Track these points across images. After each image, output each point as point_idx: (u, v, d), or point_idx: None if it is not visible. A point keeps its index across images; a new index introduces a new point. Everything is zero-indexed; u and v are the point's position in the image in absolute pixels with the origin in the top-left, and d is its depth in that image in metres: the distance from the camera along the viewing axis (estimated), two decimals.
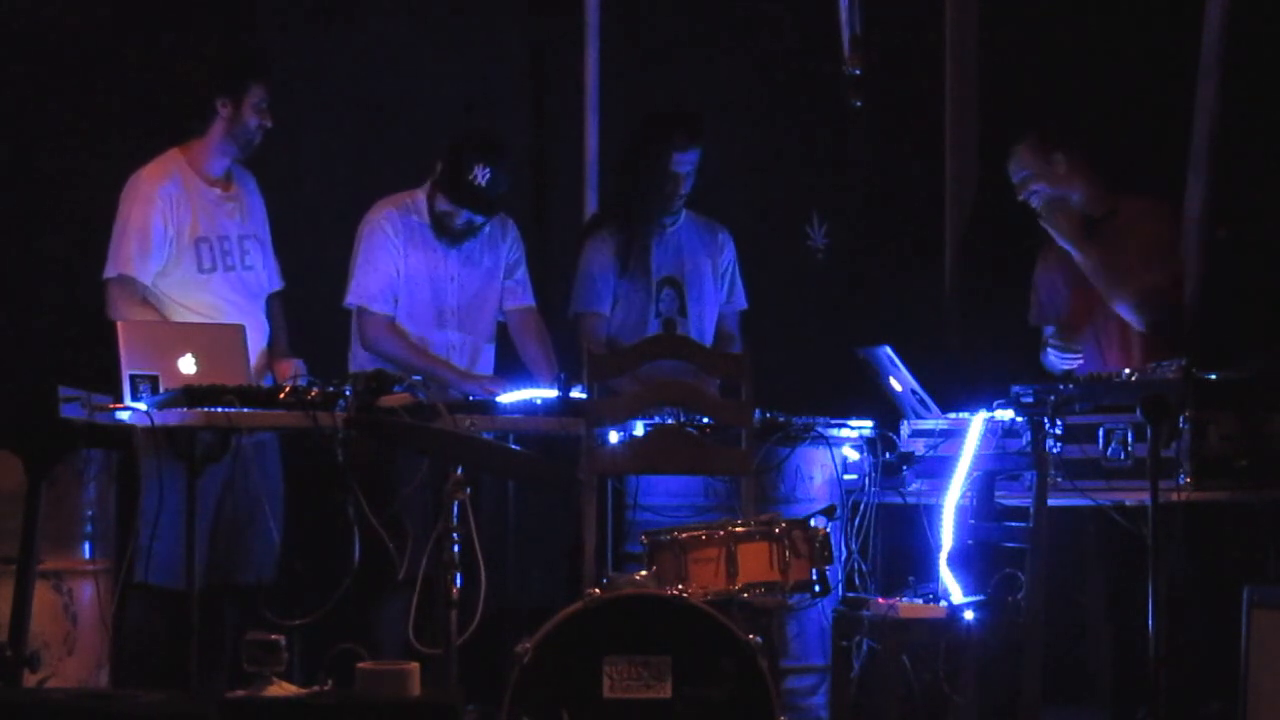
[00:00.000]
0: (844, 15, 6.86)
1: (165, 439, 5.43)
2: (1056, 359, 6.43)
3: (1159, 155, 7.23)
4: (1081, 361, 6.36)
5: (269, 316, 6.31)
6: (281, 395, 5.47)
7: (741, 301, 6.77)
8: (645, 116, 6.71)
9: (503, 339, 6.56)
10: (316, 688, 4.56)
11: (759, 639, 4.87)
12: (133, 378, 5.49)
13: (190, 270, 6.10)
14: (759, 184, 7.59)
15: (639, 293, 6.59)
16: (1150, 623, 5.20)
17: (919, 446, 6.06)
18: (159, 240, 6.04)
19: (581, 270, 6.58)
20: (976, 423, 5.82)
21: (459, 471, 4.95)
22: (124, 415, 5.39)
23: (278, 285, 6.36)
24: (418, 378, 5.72)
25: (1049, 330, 6.53)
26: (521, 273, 6.51)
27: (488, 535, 5.48)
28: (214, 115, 6.11)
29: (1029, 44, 7.54)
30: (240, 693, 4.50)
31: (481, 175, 6.18)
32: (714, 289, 6.70)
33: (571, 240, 6.84)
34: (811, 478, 6.07)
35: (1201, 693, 5.84)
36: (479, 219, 6.29)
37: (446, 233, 6.32)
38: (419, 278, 6.33)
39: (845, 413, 6.16)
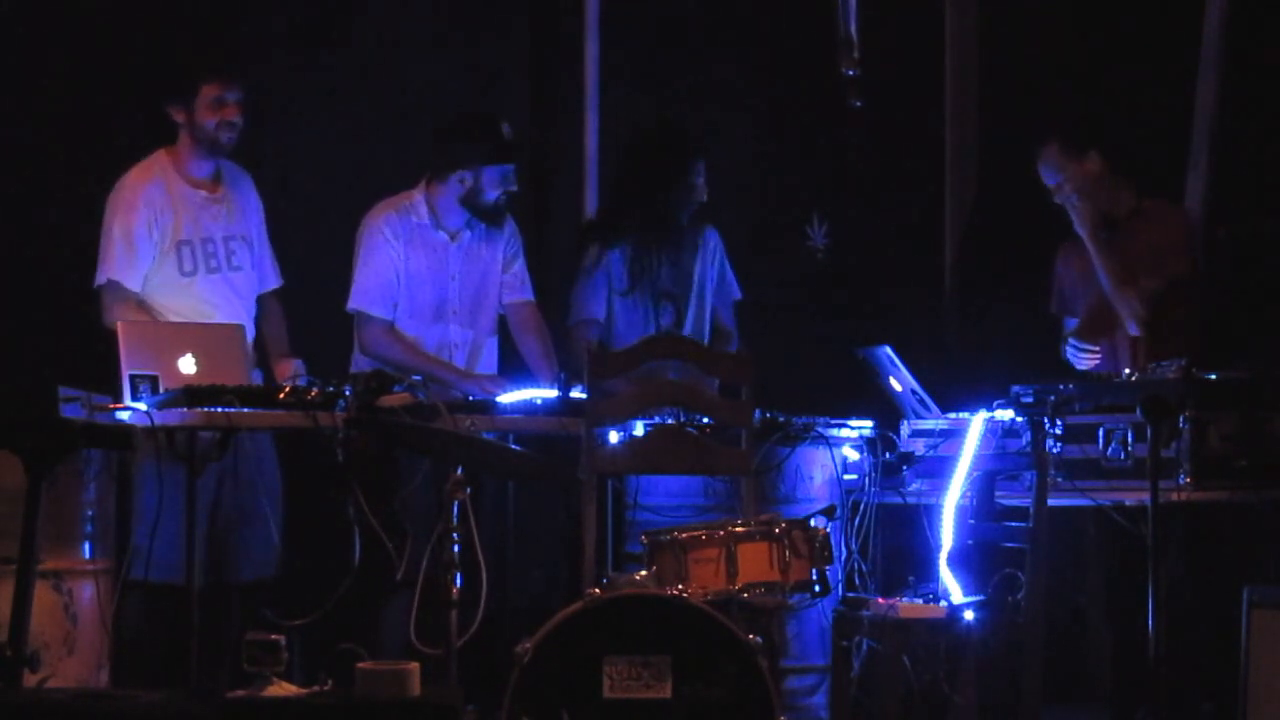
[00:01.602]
0: (840, 16, 6.86)
1: (165, 439, 5.43)
2: (1074, 356, 6.42)
3: (1158, 154, 7.24)
4: (1099, 360, 6.36)
5: (267, 314, 6.30)
6: (281, 395, 5.47)
7: (735, 292, 6.75)
8: (652, 134, 6.68)
9: (502, 338, 6.56)
10: (316, 688, 4.56)
11: (759, 639, 4.86)
12: (133, 378, 5.48)
13: (172, 274, 6.09)
14: (759, 184, 7.59)
15: (640, 310, 6.59)
16: (1150, 623, 5.20)
17: (919, 446, 6.06)
18: (144, 246, 6.03)
19: (582, 281, 6.58)
20: (976, 423, 5.82)
21: (459, 471, 4.95)
22: (124, 415, 5.39)
23: (275, 283, 6.35)
24: (417, 378, 5.72)
25: (1070, 324, 6.52)
26: (519, 266, 6.51)
27: (488, 535, 5.49)
28: (174, 124, 6.09)
29: (1029, 44, 7.55)
30: (240, 693, 4.50)
31: (507, 130, 6.29)
32: (709, 294, 6.70)
33: (571, 240, 6.84)
34: (811, 478, 6.06)
35: (1201, 693, 5.85)
36: (515, 181, 6.35)
37: (492, 216, 6.34)
38: (421, 277, 6.34)
39: (845, 413, 6.16)
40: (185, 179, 6.13)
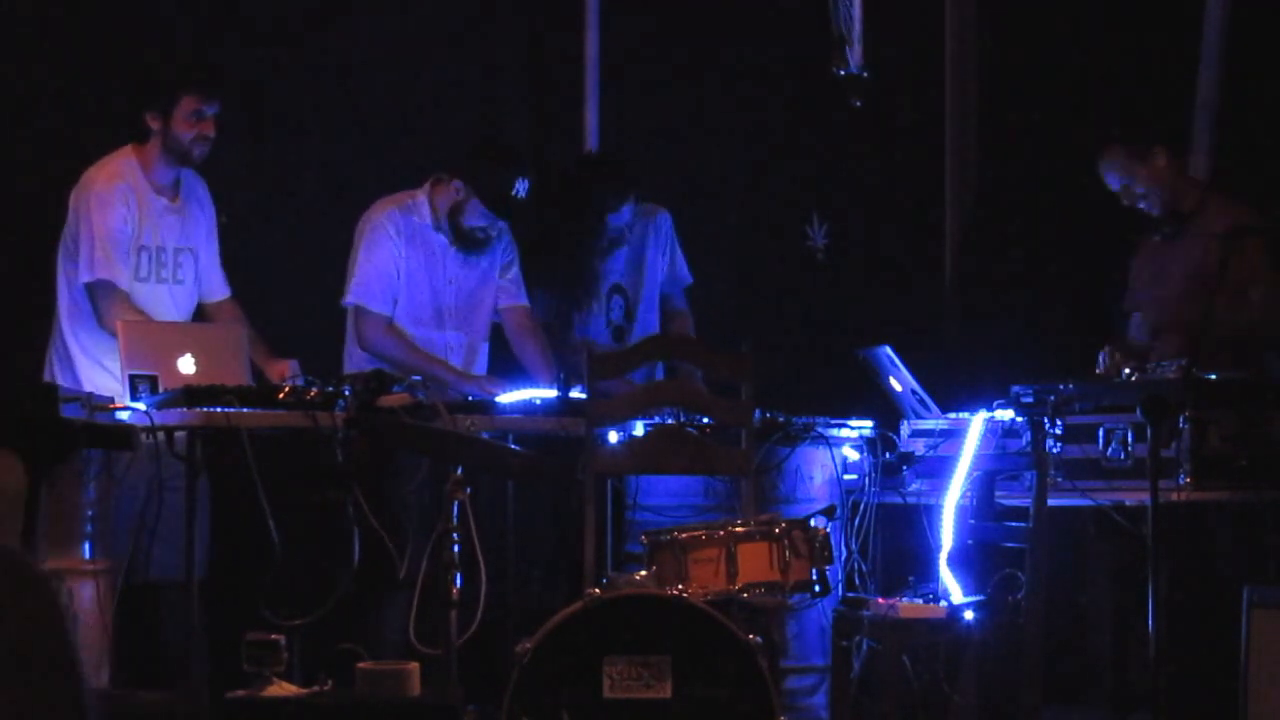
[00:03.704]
0: (840, 17, 6.87)
1: (165, 439, 5.42)
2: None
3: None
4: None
5: (232, 321, 6.23)
6: (281, 395, 5.47)
7: (685, 276, 6.75)
8: (572, 175, 6.71)
9: (495, 340, 6.56)
10: (316, 688, 4.57)
11: (759, 639, 4.86)
12: (132, 378, 5.48)
13: (127, 278, 6.04)
14: (759, 183, 7.59)
15: (590, 303, 6.61)
16: (1150, 623, 5.20)
17: (919, 446, 6.06)
18: (126, 243, 5.99)
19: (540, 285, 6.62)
20: (976, 423, 5.82)
21: (459, 471, 4.95)
22: (124, 415, 5.38)
23: (225, 293, 6.27)
24: (417, 378, 5.72)
25: (1135, 318, 6.42)
26: (515, 272, 6.51)
27: (488, 535, 5.48)
28: (147, 129, 6.05)
29: (1029, 42, 7.55)
30: (240, 693, 4.51)
31: (521, 187, 6.24)
32: (659, 281, 6.72)
33: None
34: (811, 478, 6.06)
35: (1202, 693, 5.84)
36: (496, 229, 6.35)
37: (474, 244, 6.33)
38: (418, 278, 6.33)
39: (845, 413, 6.16)
40: (150, 183, 6.06)
